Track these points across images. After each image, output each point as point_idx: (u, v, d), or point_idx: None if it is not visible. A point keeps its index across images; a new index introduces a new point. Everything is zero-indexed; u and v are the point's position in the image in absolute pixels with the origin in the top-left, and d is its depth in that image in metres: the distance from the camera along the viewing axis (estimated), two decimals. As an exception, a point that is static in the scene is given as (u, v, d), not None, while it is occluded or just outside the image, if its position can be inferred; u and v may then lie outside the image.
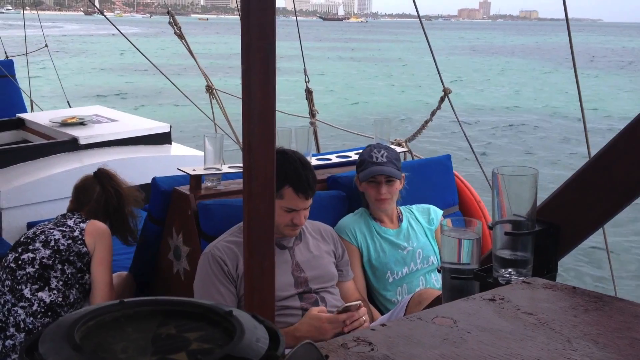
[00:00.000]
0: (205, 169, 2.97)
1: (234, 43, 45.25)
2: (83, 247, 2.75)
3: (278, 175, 1.88)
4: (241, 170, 3.07)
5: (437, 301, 1.73)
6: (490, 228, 1.35)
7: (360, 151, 2.98)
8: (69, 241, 2.75)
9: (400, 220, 2.88)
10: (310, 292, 2.41)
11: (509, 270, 1.32)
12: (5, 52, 8.45)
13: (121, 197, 3.06)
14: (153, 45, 35.47)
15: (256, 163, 1.88)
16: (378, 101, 21.62)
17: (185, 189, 2.90)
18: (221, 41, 53.94)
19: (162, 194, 2.98)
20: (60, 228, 2.80)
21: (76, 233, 2.78)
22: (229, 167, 3.09)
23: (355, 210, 2.89)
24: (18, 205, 4.32)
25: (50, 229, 2.80)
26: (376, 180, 2.74)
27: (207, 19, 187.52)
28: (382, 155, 2.78)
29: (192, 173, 2.89)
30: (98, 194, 3.00)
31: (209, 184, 2.96)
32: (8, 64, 7.46)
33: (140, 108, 18.02)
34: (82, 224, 2.82)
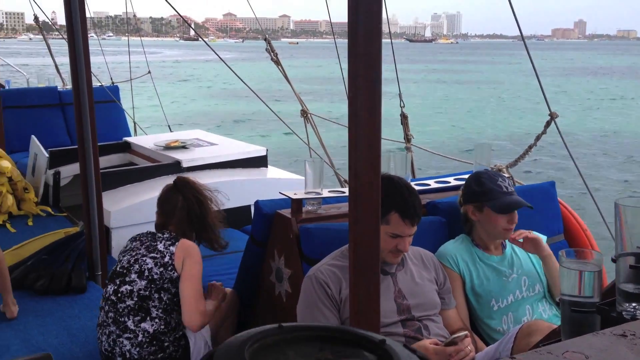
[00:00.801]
0: (306, 193, 3.03)
1: (326, 66, 45.80)
2: (174, 273, 2.82)
3: (384, 201, 1.90)
4: (341, 195, 3.13)
5: (552, 334, 1.69)
6: (614, 261, 1.32)
7: (466, 177, 2.93)
8: (161, 269, 2.81)
9: (503, 246, 2.83)
10: (413, 319, 2.41)
11: (634, 304, 1.28)
12: (111, 78, 8.93)
13: (203, 204, 3.07)
14: (248, 70, 36.54)
15: (362, 189, 1.91)
16: (477, 125, 21.28)
17: (286, 212, 2.96)
18: (313, 64, 54.78)
19: (264, 217, 3.05)
20: (152, 255, 2.85)
21: (166, 259, 2.83)
22: (329, 192, 3.14)
23: (456, 237, 2.86)
24: (126, 225, 4.53)
25: (143, 256, 2.85)
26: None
27: (297, 43, 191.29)
28: (509, 184, 2.72)
29: (294, 197, 2.95)
30: (181, 203, 3.03)
31: (309, 208, 3.02)
32: (114, 90, 7.92)
33: (238, 131, 18.53)
34: (171, 247, 2.87)
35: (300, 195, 2.98)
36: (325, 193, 3.08)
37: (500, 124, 21.53)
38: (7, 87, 9.07)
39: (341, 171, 5.96)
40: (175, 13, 5.74)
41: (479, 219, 2.75)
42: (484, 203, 2.71)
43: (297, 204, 2.94)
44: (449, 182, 3.35)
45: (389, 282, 2.46)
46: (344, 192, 3.16)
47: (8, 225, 5.29)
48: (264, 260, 3.10)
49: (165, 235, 2.94)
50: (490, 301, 2.68)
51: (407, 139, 4.84)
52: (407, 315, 2.41)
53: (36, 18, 10.04)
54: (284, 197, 3.01)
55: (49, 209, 5.74)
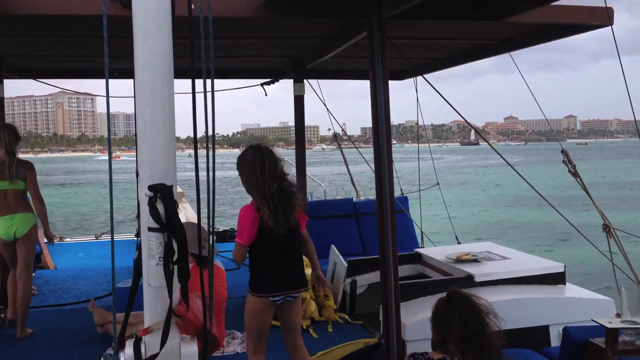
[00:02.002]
0: (622, 321, 2.79)
1: (625, 169, 42.58)
2: None
3: None
4: (665, 326, 2.79)
5: None
6: None
7: None
8: None
9: None
10: None
11: None
12: (401, 189, 9.29)
13: (480, 317, 2.78)
14: (537, 175, 35.58)
15: None
16: None
17: (600, 341, 2.75)
18: (608, 167, 51.42)
19: (574, 345, 2.87)
20: None
21: None
22: (650, 322, 2.83)
23: None
24: (421, 339, 4.55)
25: None
26: None
27: (586, 144, 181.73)
28: None
29: (609, 326, 2.73)
30: (457, 318, 2.79)
31: (626, 338, 2.76)
32: (403, 200, 8.24)
33: (531, 243, 17.93)
34: None
35: (615, 324, 2.75)
36: (646, 323, 2.78)
37: None
38: (310, 199, 9.99)
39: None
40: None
41: None
42: None
43: (612, 334, 2.72)
44: None
45: None
46: (667, 323, 2.82)
47: (311, 331, 5.68)
48: (575, 392, 2.86)
49: None
50: None
51: None
52: None
53: (335, 135, 11.06)
54: (596, 324, 2.81)
55: (347, 317, 6.05)
